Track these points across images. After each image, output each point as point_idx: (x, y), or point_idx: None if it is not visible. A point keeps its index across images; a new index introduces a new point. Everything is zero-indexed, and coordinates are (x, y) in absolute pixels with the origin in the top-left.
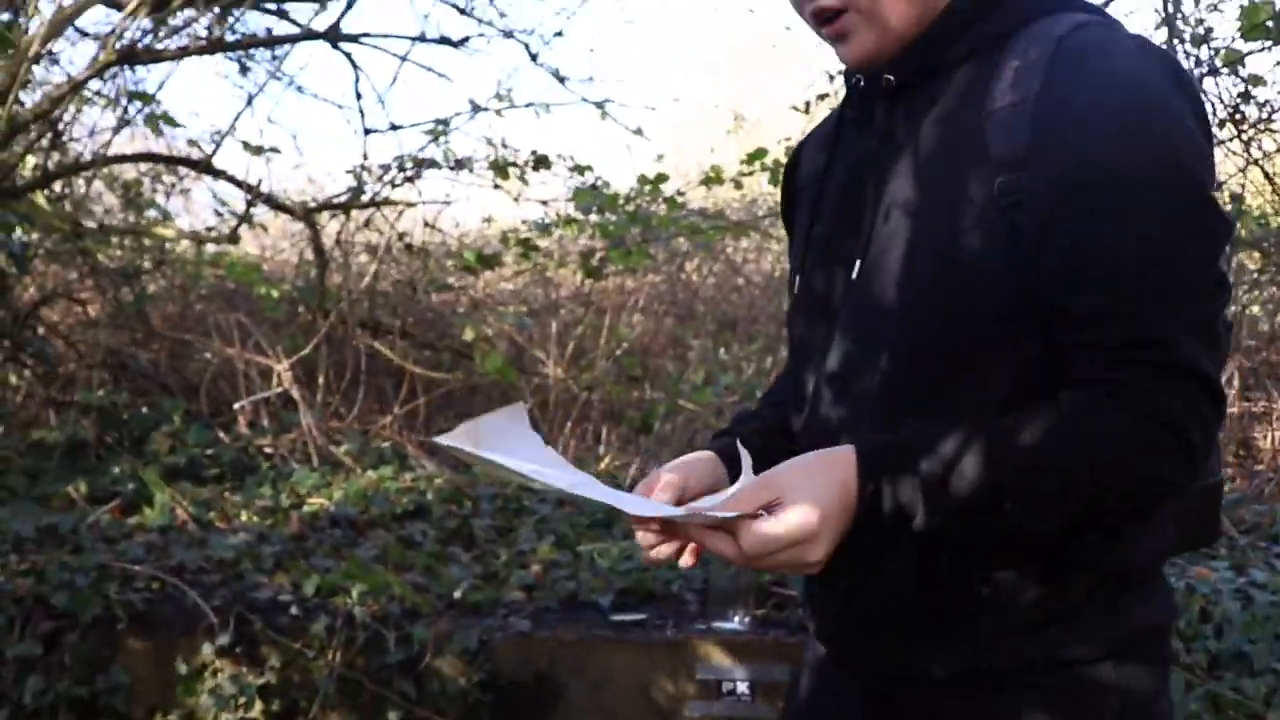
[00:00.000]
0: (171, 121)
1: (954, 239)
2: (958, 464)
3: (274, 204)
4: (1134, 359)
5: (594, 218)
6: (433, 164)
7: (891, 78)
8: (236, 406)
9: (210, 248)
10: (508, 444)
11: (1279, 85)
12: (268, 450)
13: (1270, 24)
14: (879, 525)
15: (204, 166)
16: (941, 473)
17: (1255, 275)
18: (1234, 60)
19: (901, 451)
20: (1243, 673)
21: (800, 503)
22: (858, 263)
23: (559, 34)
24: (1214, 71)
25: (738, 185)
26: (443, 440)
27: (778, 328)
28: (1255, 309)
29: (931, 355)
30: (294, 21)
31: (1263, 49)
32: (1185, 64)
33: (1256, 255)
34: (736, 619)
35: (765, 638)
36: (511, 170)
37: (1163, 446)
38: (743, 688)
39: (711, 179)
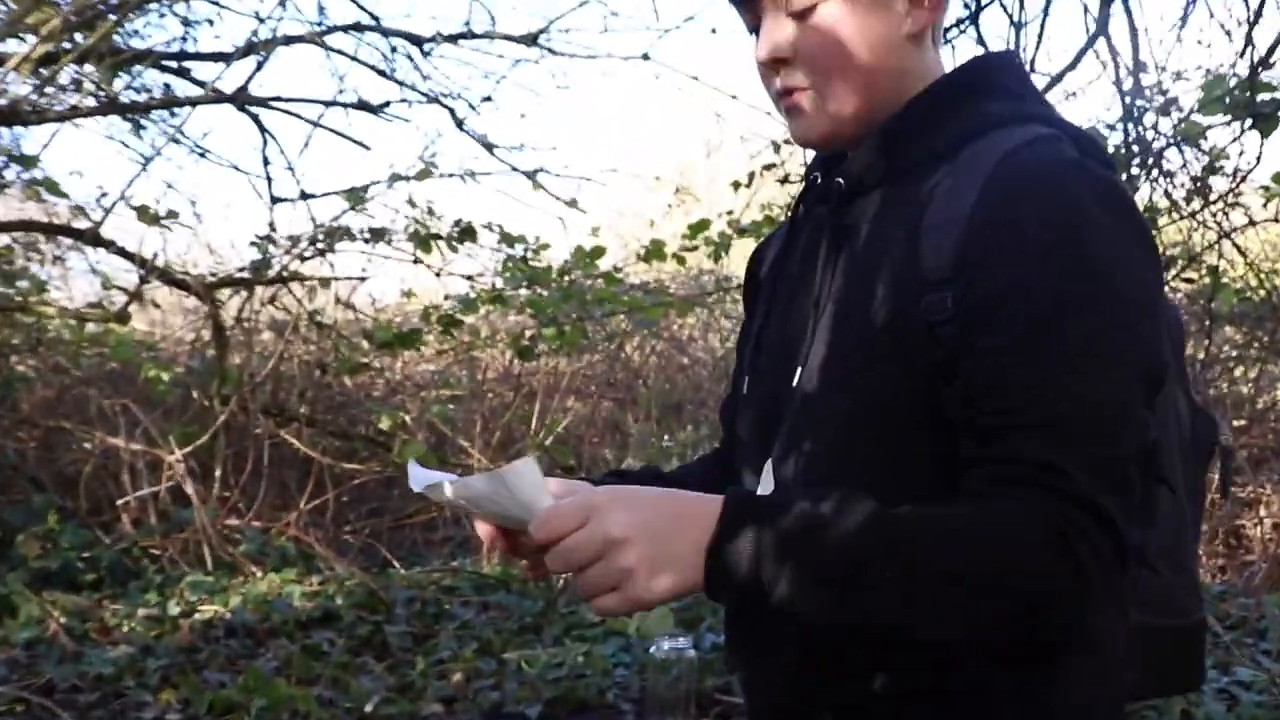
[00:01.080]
0: (55, 189)
1: (883, 354)
2: (826, 523)
3: (169, 279)
4: (1027, 481)
5: (524, 293)
6: (346, 234)
7: (841, 181)
8: (120, 503)
9: (92, 325)
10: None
11: (1245, 158)
12: (155, 552)
13: (1227, 99)
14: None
15: (90, 237)
16: (805, 526)
17: (1237, 352)
18: (1195, 134)
19: (770, 504)
20: None
21: (608, 499)
22: (799, 371)
23: (488, 99)
24: (1177, 144)
25: (680, 260)
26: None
27: None
28: (1243, 388)
29: (862, 466)
30: (196, 81)
31: (1223, 123)
32: (1147, 134)
33: (1235, 330)
34: None
35: None
36: (435, 242)
37: (1044, 571)
38: None
39: (653, 253)
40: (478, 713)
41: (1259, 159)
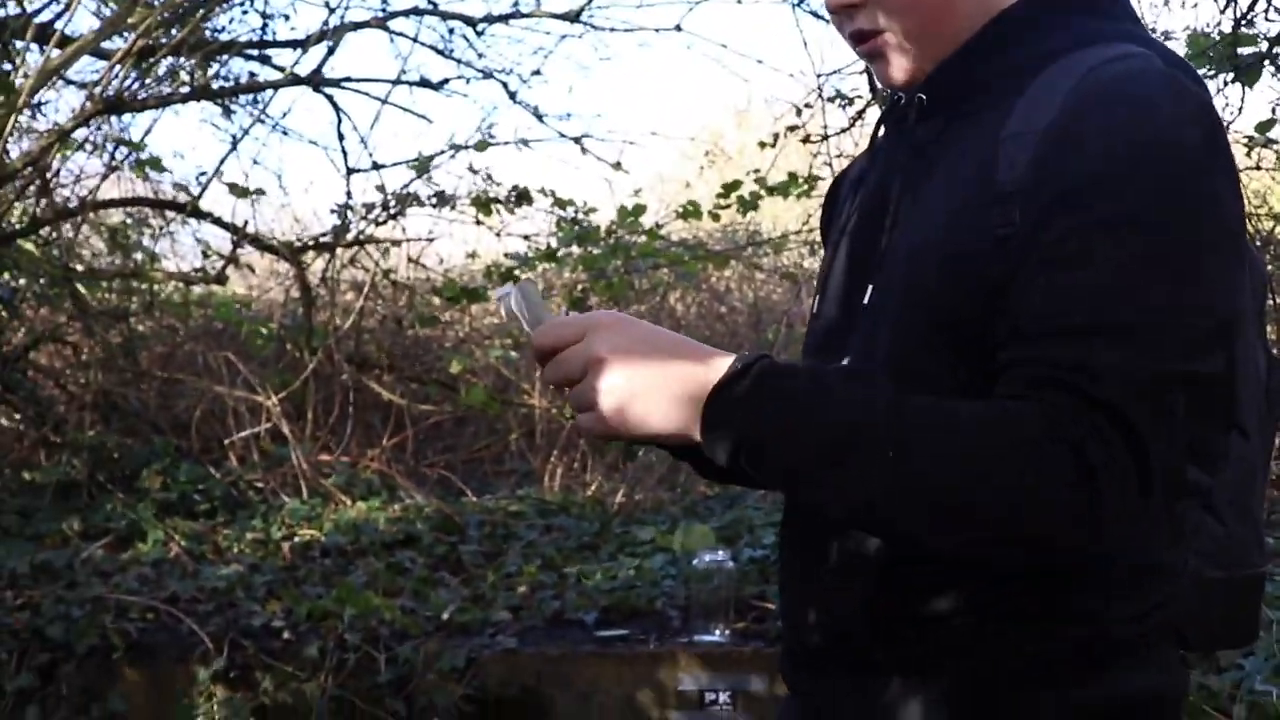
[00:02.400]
0: (159, 166)
1: (953, 271)
2: (829, 388)
3: (260, 244)
4: (1057, 382)
5: (576, 250)
6: (416, 200)
7: (924, 96)
8: (227, 442)
9: (198, 289)
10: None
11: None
12: (258, 485)
13: (1212, 53)
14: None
15: (190, 209)
16: (810, 388)
17: None
18: None
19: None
20: None
21: (610, 320)
22: (869, 289)
23: (537, 73)
24: None
25: (714, 217)
26: (496, 294)
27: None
28: None
29: (928, 387)
30: (276, 66)
31: (1209, 76)
32: None
33: None
34: (717, 632)
35: (745, 649)
36: (494, 206)
37: (1057, 476)
38: (724, 698)
39: (689, 211)
40: (541, 619)
41: (1240, 110)
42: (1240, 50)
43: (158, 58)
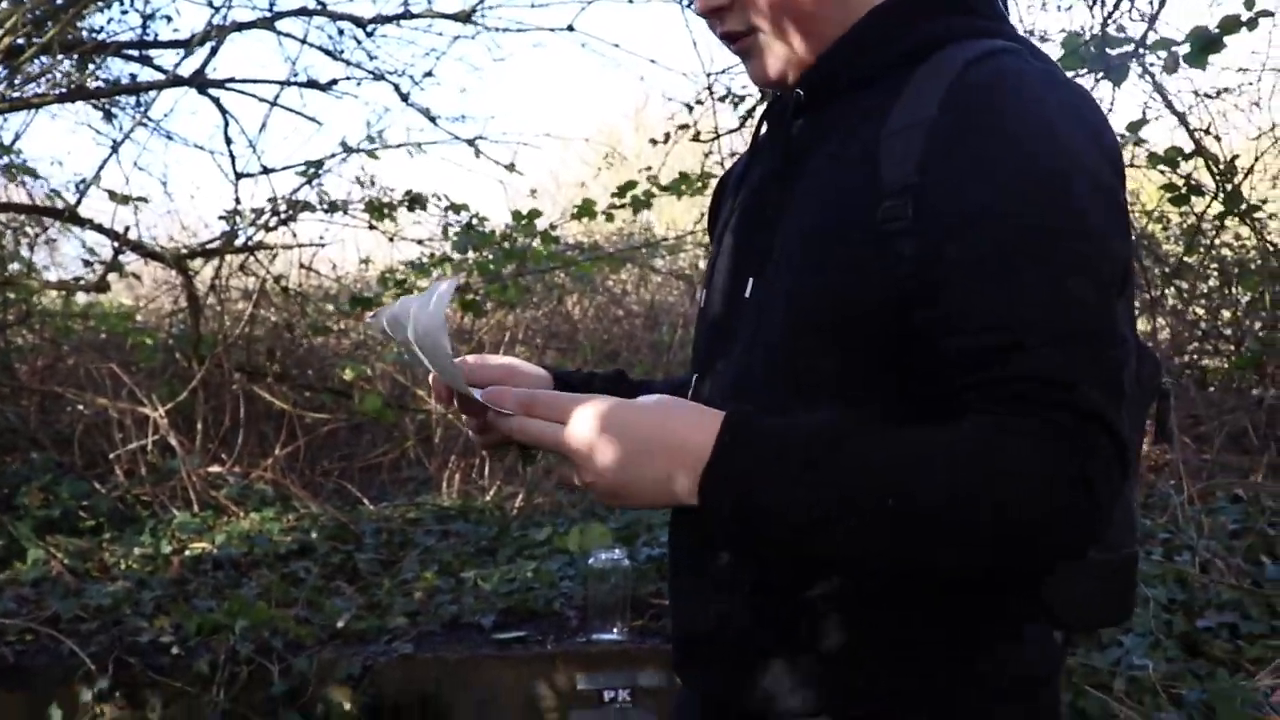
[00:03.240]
0: (31, 172)
1: (836, 264)
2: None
3: (143, 250)
4: (1037, 399)
5: (471, 255)
6: (307, 206)
7: (801, 92)
8: (112, 456)
9: (81, 298)
10: (419, 323)
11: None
12: (146, 499)
13: (1083, 54)
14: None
15: (68, 215)
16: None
17: None
18: None
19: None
20: None
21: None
22: (750, 281)
23: (429, 74)
24: None
25: (609, 218)
26: (369, 318)
27: (658, 357)
28: None
29: (812, 380)
30: (158, 68)
31: (1080, 75)
32: None
33: None
34: (615, 630)
35: (642, 646)
36: (387, 210)
37: (1062, 493)
38: (623, 695)
39: (583, 210)
40: (438, 624)
41: (1111, 107)
42: (1109, 50)
43: (26, 56)
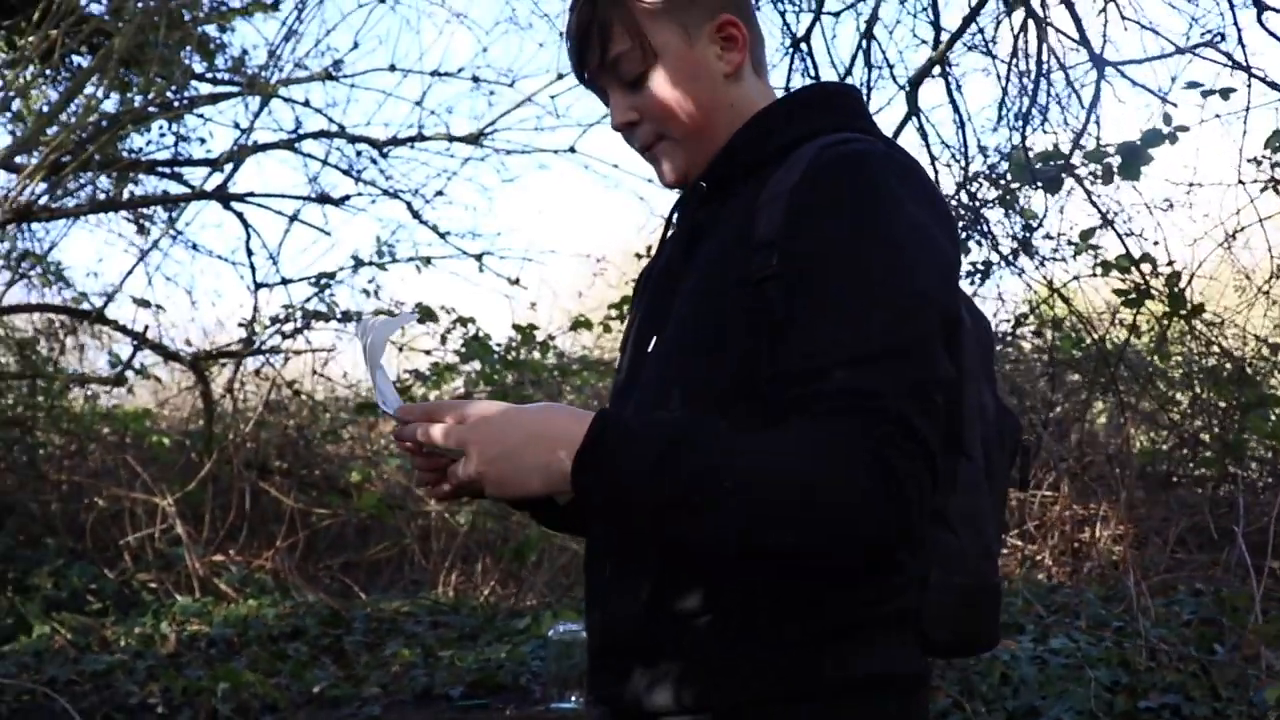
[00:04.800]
0: (62, 277)
1: (718, 313)
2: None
3: (162, 351)
4: (849, 406)
5: (475, 365)
6: (321, 316)
7: (704, 184)
8: (122, 543)
9: (104, 401)
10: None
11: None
12: (151, 585)
13: (1029, 170)
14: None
15: (95, 317)
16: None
17: (1083, 395)
18: (1009, 199)
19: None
20: None
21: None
22: (654, 339)
23: (440, 193)
24: (1000, 205)
25: (606, 329)
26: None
27: None
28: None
29: (692, 395)
30: (187, 184)
31: (1035, 189)
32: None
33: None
34: (573, 698)
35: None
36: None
37: (866, 478)
38: None
39: (580, 323)
40: (410, 694)
41: (1061, 212)
42: (1039, 165)
43: (66, 172)
